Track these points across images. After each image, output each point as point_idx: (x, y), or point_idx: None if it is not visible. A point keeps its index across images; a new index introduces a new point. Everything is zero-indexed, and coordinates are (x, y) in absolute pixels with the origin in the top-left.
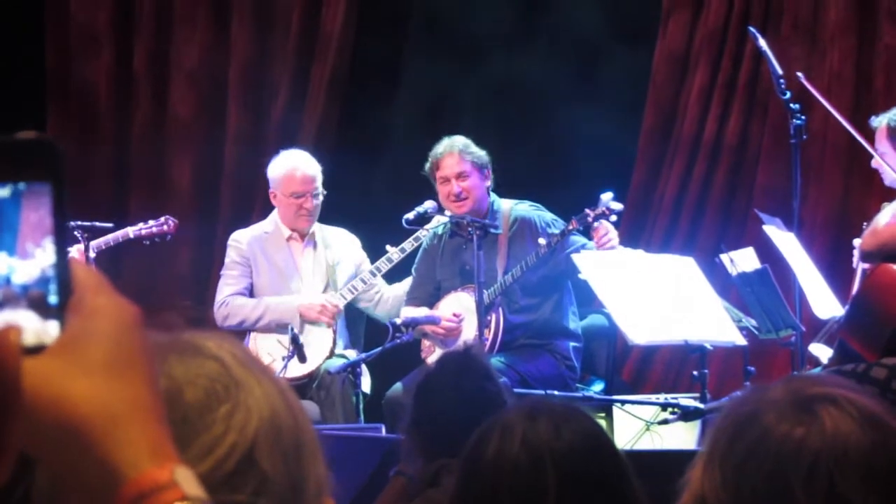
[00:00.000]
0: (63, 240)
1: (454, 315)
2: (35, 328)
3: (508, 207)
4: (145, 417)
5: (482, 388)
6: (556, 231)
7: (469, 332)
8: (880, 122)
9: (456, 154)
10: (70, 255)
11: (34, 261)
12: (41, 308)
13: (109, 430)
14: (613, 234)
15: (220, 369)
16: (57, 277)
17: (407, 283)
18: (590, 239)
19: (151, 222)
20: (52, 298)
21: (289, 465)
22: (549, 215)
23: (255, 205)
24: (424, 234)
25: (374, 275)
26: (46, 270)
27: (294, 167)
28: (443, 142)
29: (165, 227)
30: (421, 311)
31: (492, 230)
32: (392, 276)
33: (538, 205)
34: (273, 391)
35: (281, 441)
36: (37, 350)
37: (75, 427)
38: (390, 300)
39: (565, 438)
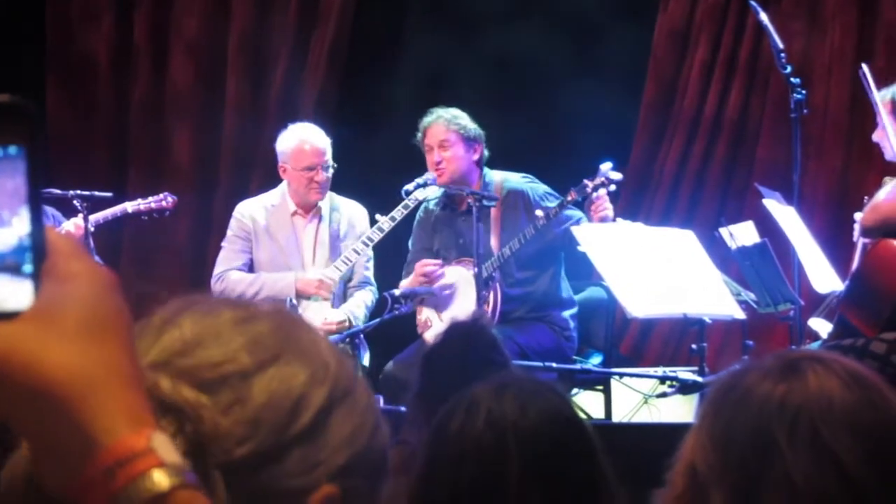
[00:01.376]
0: (37, 206)
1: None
2: (9, 295)
3: (500, 179)
4: (122, 383)
5: (489, 359)
6: (552, 204)
7: (468, 306)
8: (884, 95)
9: (441, 123)
10: (47, 221)
11: (11, 229)
12: (17, 276)
13: (86, 396)
14: (608, 205)
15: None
16: (31, 244)
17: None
18: (585, 209)
19: (150, 198)
20: (28, 267)
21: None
22: (542, 187)
23: (253, 175)
24: (413, 201)
25: (366, 245)
26: (23, 239)
27: (304, 140)
28: (433, 112)
29: (164, 203)
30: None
31: (486, 202)
32: (384, 246)
33: (531, 176)
34: (242, 351)
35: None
36: (11, 316)
37: (50, 393)
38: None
39: (530, 417)
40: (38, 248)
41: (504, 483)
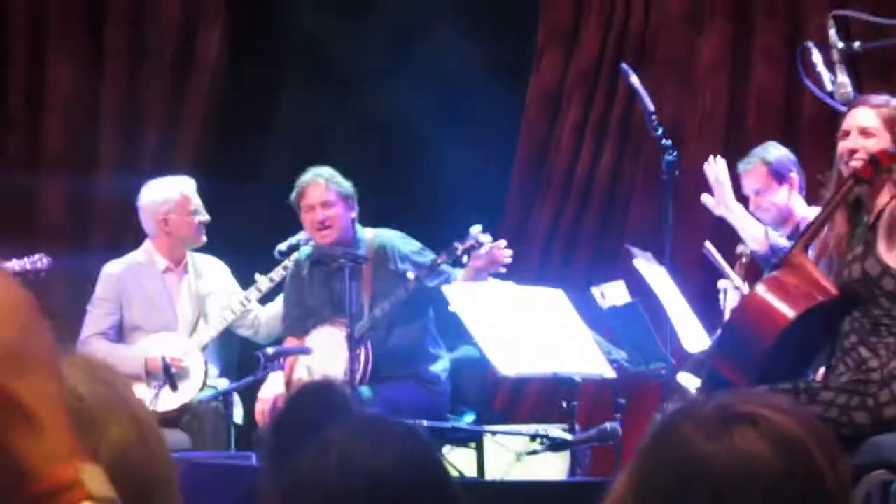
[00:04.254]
0: None
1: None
2: None
3: (371, 236)
4: (52, 413)
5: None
6: (424, 259)
7: (338, 365)
8: (751, 162)
9: (321, 183)
10: None
11: None
12: None
13: (18, 425)
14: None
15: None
16: None
17: (278, 302)
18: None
19: (25, 259)
20: None
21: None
22: (416, 244)
23: (127, 234)
24: (291, 261)
25: (243, 305)
26: None
27: (183, 186)
28: (309, 171)
29: (39, 265)
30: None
31: (361, 261)
32: (263, 305)
33: (404, 234)
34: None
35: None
36: None
37: None
38: (268, 321)
39: (384, 457)
40: None
41: None
